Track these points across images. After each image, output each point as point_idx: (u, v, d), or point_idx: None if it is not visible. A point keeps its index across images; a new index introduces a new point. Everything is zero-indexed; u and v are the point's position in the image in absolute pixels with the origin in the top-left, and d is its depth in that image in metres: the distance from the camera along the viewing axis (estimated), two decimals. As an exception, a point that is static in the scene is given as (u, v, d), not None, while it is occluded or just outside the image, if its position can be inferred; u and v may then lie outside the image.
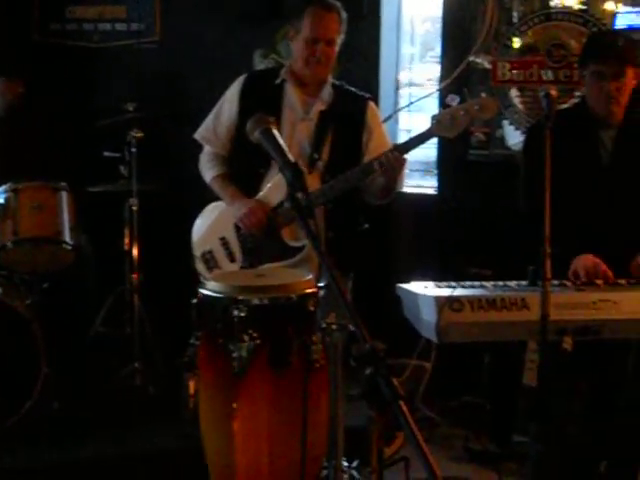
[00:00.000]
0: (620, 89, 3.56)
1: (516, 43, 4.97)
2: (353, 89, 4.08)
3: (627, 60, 3.57)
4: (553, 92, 3.13)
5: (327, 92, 3.97)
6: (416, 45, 5.79)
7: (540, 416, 3.03)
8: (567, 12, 4.87)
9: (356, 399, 1.98)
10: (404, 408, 1.87)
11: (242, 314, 2.94)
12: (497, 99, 4.75)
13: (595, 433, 3.58)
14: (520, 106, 4.95)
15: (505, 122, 5.00)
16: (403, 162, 3.67)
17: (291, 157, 2.40)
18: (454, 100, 3.74)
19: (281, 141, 2.46)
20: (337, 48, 3.92)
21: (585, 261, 3.42)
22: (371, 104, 4.07)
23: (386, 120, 4.95)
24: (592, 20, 4.81)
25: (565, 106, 4.16)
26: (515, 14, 4.99)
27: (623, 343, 3.48)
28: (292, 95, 3.96)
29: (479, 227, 4.97)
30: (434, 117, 3.69)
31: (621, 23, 4.85)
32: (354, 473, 3.21)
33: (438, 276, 3.48)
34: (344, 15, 3.91)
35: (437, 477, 1.83)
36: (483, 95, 3.74)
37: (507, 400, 4.25)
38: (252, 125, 2.53)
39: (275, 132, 2.50)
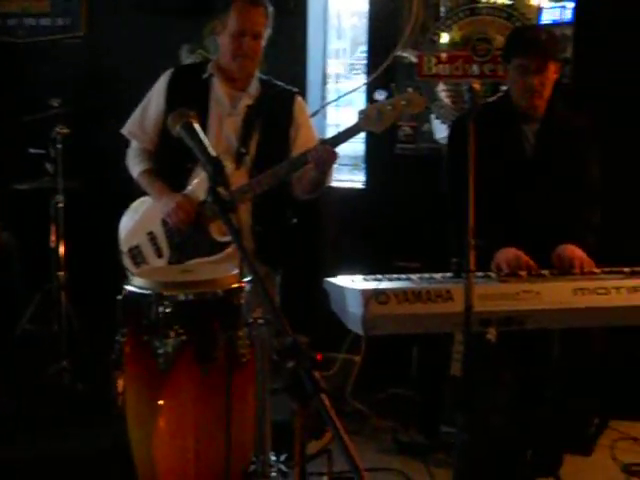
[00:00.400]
0: (543, 83, 3.62)
1: (442, 37, 5.01)
2: (280, 83, 4.08)
3: (550, 54, 3.63)
4: (476, 86, 3.16)
5: (254, 87, 3.97)
6: (345, 40, 5.81)
7: (465, 406, 3.06)
8: (492, 7, 4.92)
9: (279, 393, 1.98)
10: (326, 401, 1.88)
11: (167, 310, 2.93)
12: (424, 94, 4.81)
13: (520, 423, 3.63)
14: (446, 100, 4.99)
15: (432, 116, 5.04)
16: (335, 155, 3.68)
17: (212, 151, 2.39)
18: (381, 95, 3.77)
19: (202, 135, 2.46)
20: (264, 42, 3.92)
21: (507, 254, 3.47)
22: (298, 98, 4.07)
23: (314, 115, 4.96)
24: (516, 15, 4.87)
25: (489, 100, 4.21)
26: (443, 9, 5.03)
27: (547, 334, 3.54)
28: (219, 90, 3.94)
29: (407, 220, 4.99)
30: (361, 112, 3.70)
31: (546, 18, 4.91)
32: (282, 467, 3.21)
33: (366, 270, 3.49)
34: (271, 9, 3.91)
35: (359, 469, 1.84)
36: (410, 90, 3.76)
37: (435, 392, 4.29)
38: (173, 120, 2.52)
39: (196, 126, 2.49)
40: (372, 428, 4.66)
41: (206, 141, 2.44)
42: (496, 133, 3.59)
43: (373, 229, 5.14)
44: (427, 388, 4.48)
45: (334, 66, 5.72)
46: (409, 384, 4.65)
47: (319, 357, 5.12)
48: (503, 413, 3.54)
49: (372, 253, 4.88)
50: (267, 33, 3.91)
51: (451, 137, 3.98)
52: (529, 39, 3.70)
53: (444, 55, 4.95)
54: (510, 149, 3.69)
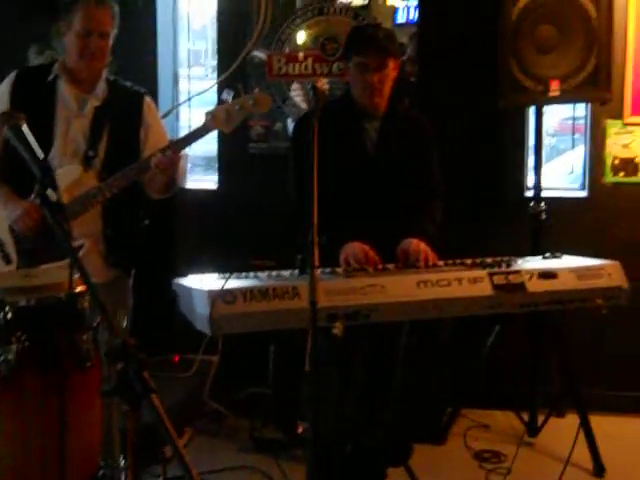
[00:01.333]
0: (382, 80, 3.68)
1: (292, 37, 5.06)
2: (129, 84, 4.03)
3: (388, 52, 3.69)
4: (319, 84, 3.19)
5: (102, 88, 3.90)
6: (207, 41, 5.80)
7: (314, 401, 3.09)
8: (339, 7, 5.00)
9: (108, 395, 1.96)
10: (156, 402, 1.88)
11: (8, 316, 2.86)
12: (275, 93, 4.86)
13: (370, 414, 3.69)
14: (297, 99, 5.05)
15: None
16: (176, 160, 3.65)
17: (40, 153, 2.36)
18: (229, 95, 3.78)
19: (30, 137, 2.41)
20: (111, 42, 3.87)
21: (353, 248, 3.52)
22: (147, 99, 4.03)
23: (165, 115, 4.94)
24: (362, 14, 4.97)
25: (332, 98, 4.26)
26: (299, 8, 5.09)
27: (395, 327, 3.61)
28: (65, 91, 3.87)
29: (262, 219, 5.04)
30: (209, 113, 3.70)
31: (402, 17, 5.02)
32: (131, 471, 3.18)
33: (222, 269, 3.48)
34: (116, 9, 3.85)
35: (190, 471, 1.84)
36: (257, 90, 3.79)
37: (292, 388, 4.32)
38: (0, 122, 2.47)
39: (24, 128, 2.44)
40: (230, 427, 4.69)
41: (34, 143, 2.40)
42: (339, 131, 3.64)
43: (228, 228, 5.16)
44: (284, 385, 4.52)
45: (195, 67, 5.71)
46: (267, 382, 4.68)
47: (176, 359, 5.08)
48: (353, 405, 3.60)
49: (227, 252, 4.88)
50: (113, 33, 3.86)
51: (295, 136, 4.01)
52: (367, 37, 3.75)
53: (293, 54, 5.01)
54: (352, 146, 3.74)
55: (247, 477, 4.11)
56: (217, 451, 4.41)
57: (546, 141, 5.72)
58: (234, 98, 3.76)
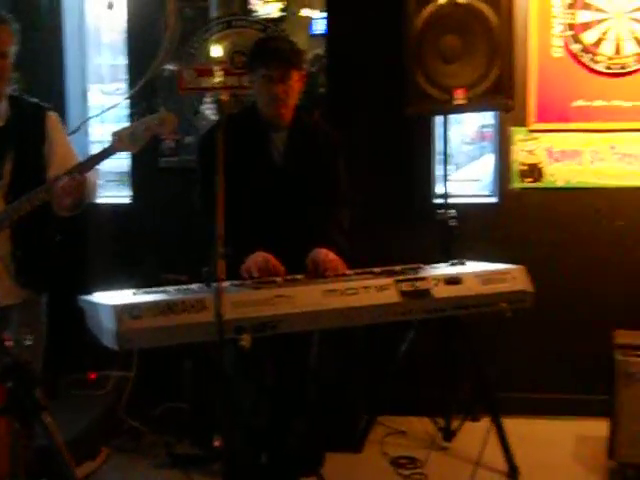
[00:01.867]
0: (286, 91, 3.68)
1: (202, 50, 5.06)
2: (33, 100, 3.95)
3: (292, 63, 3.70)
4: (223, 97, 3.21)
5: (4, 107, 3.82)
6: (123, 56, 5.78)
7: (224, 413, 3.09)
8: (246, 19, 5.03)
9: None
10: (47, 419, 1.87)
11: None
12: (182, 107, 4.86)
13: (283, 424, 3.69)
14: (208, 112, 5.04)
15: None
16: (83, 182, 3.61)
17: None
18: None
19: None
20: (11, 59, 3.81)
21: (256, 258, 3.51)
22: (50, 114, 3.94)
23: (73, 132, 4.89)
24: (275, 26, 4.99)
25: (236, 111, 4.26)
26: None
27: (306, 337, 3.62)
28: (-34, 114, 3.80)
29: (174, 233, 5.03)
30: (115, 134, 3.65)
31: (317, 29, 5.06)
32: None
33: (135, 284, 3.47)
34: (16, 26, 3.79)
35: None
36: (162, 110, 3.77)
37: (208, 402, 4.31)
38: None
39: None
40: (147, 444, 4.66)
41: None
42: (245, 142, 3.64)
43: (142, 243, 5.15)
44: (200, 399, 4.51)
45: (115, 83, 5.68)
46: (183, 397, 4.66)
47: (92, 376, 5.02)
48: (266, 415, 3.60)
49: (141, 267, 4.86)
50: (14, 50, 3.80)
51: (201, 147, 3.98)
52: (271, 49, 3.75)
53: (203, 68, 5.01)
54: (259, 157, 3.74)
55: (163, 494, 4.10)
56: (134, 468, 4.38)
57: (463, 149, 5.82)
58: (139, 118, 3.73)
